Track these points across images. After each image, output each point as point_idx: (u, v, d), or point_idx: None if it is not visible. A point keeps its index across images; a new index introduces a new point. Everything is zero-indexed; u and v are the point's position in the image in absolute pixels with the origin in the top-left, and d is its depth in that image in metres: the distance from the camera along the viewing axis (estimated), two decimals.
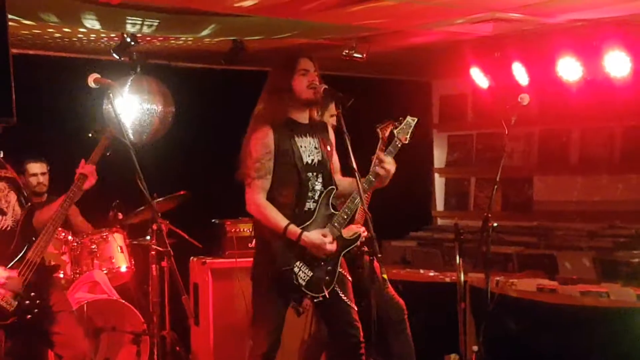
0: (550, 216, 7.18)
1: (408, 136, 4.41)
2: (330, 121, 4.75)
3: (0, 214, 4.14)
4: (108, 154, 4.28)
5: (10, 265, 4.03)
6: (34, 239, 4.15)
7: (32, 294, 4.06)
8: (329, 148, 4.24)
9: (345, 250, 4.20)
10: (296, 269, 4.04)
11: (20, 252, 4.09)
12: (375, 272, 3.90)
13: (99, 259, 5.67)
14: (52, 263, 4.46)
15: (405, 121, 4.44)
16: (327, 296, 4.09)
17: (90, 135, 4.31)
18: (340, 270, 4.17)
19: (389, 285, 5.14)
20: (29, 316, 4.05)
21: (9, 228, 4.14)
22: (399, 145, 4.35)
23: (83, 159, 4.18)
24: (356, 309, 4.19)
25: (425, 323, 5.66)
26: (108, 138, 4.25)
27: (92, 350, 4.31)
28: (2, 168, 4.27)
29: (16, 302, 3.99)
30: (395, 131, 4.41)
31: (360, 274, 4.43)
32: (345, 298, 4.17)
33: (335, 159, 4.33)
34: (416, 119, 4.44)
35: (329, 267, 4.12)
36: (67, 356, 4.18)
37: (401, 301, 5.14)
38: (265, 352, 4.15)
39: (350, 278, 4.22)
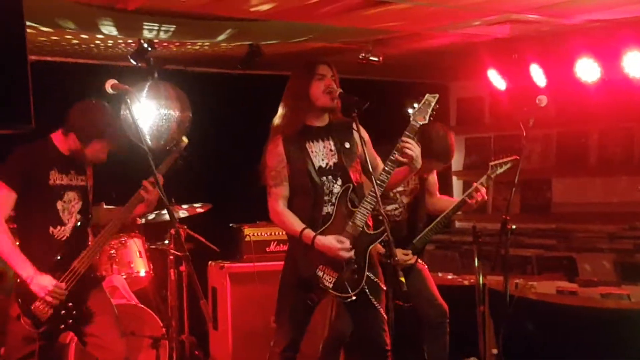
0: (569, 218, 7.13)
1: (427, 116, 4.02)
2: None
3: (60, 225, 4.12)
4: (180, 161, 4.41)
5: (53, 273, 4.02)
6: (82, 246, 4.16)
7: (70, 303, 4.05)
8: (347, 145, 4.16)
9: (371, 245, 4.08)
10: (320, 272, 4.02)
11: (68, 260, 4.07)
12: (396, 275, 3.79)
13: (118, 263, 5.68)
14: (100, 274, 4.45)
15: (423, 100, 4.05)
16: (355, 297, 4.02)
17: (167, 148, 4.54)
18: (374, 279, 4.11)
19: (435, 288, 5.15)
20: (62, 326, 4.06)
21: (65, 238, 4.13)
22: (417, 128, 4.03)
23: (145, 181, 4.21)
24: (386, 317, 4.10)
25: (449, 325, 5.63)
26: (179, 151, 4.51)
27: (127, 353, 4.27)
28: (81, 174, 4.25)
29: (51, 311, 3.99)
30: (411, 112, 4.05)
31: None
32: (376, 304, 4.11)
33: (369, 155, 4.11)
34: (437, 96, 4.07)
35: (355, 266, 4.04)
36: (102, 358, 4.17)
37: (444, 305, 5.12)
38: (282, 350, 4.17)
39: (384, 287, 4.10)
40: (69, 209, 4.16)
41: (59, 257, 4.06)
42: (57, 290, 3.97)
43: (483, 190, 4.99)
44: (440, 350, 5.15)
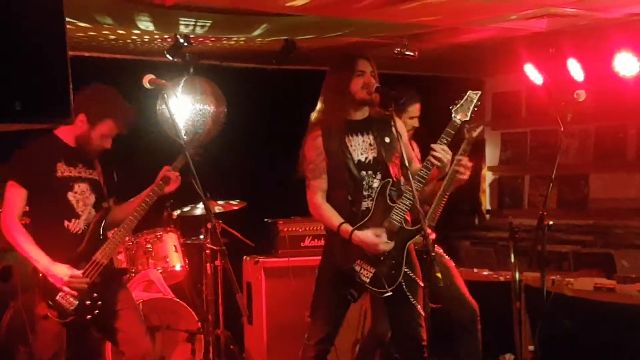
0: (607, 214, 7.05)
1: (469, 113, 3.98)
2: (410, 123, 4.82)
3: (75, 218, 4.13)
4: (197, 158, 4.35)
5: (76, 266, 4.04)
6: (102, 239, 4.18)
7: (95, 294, 4.07)
8: (387, 140, 4.14)
9: (410, 241, 4.08)
10: (357, 267, 4.02)
11: (88, 254, 4.10)
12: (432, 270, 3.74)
13: (154, 258, 5.72)
14: (121, 266, 4.46)
15: (465, 96, 4.02)
16: (392, 292, 4.02)
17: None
18: (412, 275, 4.10)
19: (464, 286, 5.09)
20: (89, 316, 4.07)
21: (80, 231, 4.14)
22: (458, 124, 3.99)
23: (166, 166, 4.21)
24: (423, 314, 4.08)
25: (480, 323, 5.61)
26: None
27: (153, 348, 4.29)
28: (91, 168, 4.25)
29: (77, 302, 4.01)
30: (452, 109, 4.00)
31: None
32: (413, 300, 4.10)
33: (405, 150, 4.01)
34: (479, 93, 4.02)
35: (393, 261, 4.04)
36: (129, 352, 4.18)
37: (474, 303, 5.07)
38: (316, 341, 4.18)
39: (422, 284, 4.07)
40: (83, 200, 4.17)
41: (82, 248, 4.08)
42: (75, 278, 3.99)
43: (465, 160, 4.50)
44: (474, 349, 5.11)
